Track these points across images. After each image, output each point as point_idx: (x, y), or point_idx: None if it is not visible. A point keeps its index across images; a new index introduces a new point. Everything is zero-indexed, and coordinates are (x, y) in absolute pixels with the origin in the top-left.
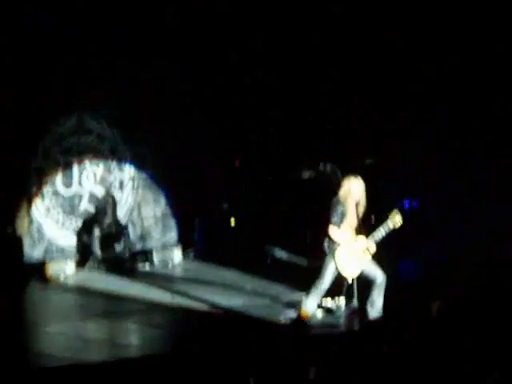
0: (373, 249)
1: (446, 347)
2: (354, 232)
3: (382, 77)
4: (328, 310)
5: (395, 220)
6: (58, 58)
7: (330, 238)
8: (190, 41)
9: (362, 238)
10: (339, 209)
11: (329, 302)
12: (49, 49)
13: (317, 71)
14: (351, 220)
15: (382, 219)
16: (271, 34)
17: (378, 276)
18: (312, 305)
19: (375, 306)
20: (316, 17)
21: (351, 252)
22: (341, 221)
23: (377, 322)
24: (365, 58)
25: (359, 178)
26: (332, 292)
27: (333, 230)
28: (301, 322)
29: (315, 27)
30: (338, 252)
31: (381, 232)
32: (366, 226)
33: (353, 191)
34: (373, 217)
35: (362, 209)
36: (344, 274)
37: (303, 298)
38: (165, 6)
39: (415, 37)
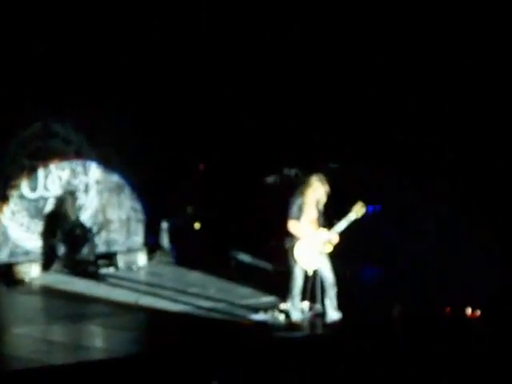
0: (335, 240)
1: (406, 350)
2: (314, 226)
3: (345, 88)
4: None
5: (358, 211)
6: (23, 64)
7: (290, 233)
8: (156, 45)
9: (323, 230)
10: (298, 202)
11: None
12: (14, 54)
13: (281, 79)
14: (310, 214)
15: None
16: (237, 43)
17: (328, 278)
18: (297, 309)
19: (329, 308)
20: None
21: (311, 245)
22: (299, 214)
23: (337, 325)
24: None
25: (323, 177)
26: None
27: (292, 224)
28: (295, 328)
29: (280, 38)
30: (298, 245)
31: (343, 223)
32: (328, 219)
33: (316, 189)
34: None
35: (321, 206)
36: (304, 266)
37: (287, 307)
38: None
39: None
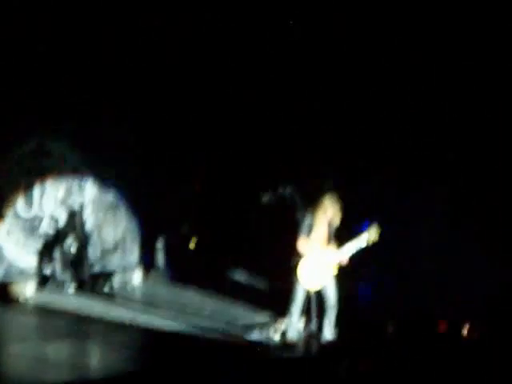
0: (344, 262)
1: (401, 366)
2: (323, 245)
3: (341, 102)
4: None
5: (372, 235)
6: (18, 81)
7: (297, 252)
8: (150, 63)
9: (331, 250)
10: (307, 221)
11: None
12: (9, 71)
13: (276, 97)
14: (320, 233)
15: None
16: (234, 53)
17: (331, 298)
18: (294, 328)
19: (326, 329)
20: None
21: (316, 264)
22: (308, 233)
23: (333, 344)
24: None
25: (336, 195)
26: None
27: (301, 242)
28: (290, 346)
29: (280, 41)
30: (302, 264)
31: (354, 245)
32: (339, 241)
33: (326, 207)
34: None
35: (335, 226)
36: (305, 285)
37: (283, 325)
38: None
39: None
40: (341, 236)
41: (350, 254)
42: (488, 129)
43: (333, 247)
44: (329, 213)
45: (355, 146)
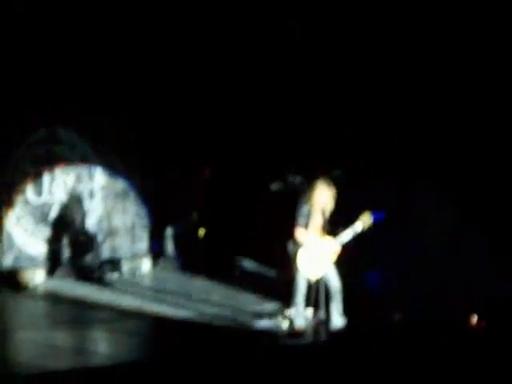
0: (338, 250)
1: (408, 357)
2: (320, 234)
3: (348, 93)
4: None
5: (366, 221)
6: (27, 70)
7: (295, 240)
8: (158, 49)
9: (328, 239)
10: (305, 210)
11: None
12: (18, 60)
13: (286, 84)
14: (317, 222)
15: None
16: (239, 46)
17: (334, 284)
18: (300, 316)
19: (334, 315)
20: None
21: (315, 253)
22: (307, 222)
23: (341, 333)
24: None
25: (329, 183)
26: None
27: (299, 232)
28: (298, 335)
29: (281, 41)
30: (301, 252)
31: (349, 233)
32: (334, 229)
33: (320, 195)
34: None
35: (328, 213)
36: (305, 274)
37: (291, 314)
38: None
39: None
40: (332, 221)
41: (346, 241)
42: (489, 129)
43: (329, 235)
44: (323, 199)
45: (365, 143)
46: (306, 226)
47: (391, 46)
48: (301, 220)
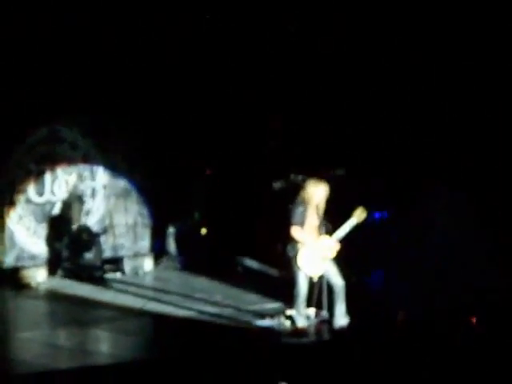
0: (336, 246)
1: (411, 355)
2: (316, 232)
3: (350, 92)
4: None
5: (359, 216)
6: (29, 69)
7: (293, 240)
8: (161, 48)
9: (324, 237)
10: (300, 209)
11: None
12: (20, 59)
13: (287, 84)
14: (312, 221)
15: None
16: (238, 46)
17: (337, 283)
18: (302, 315)
19: (338, 314)
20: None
21: (314, 251)
22: (302, 221)
23: (345, 331)
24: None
25: (323, 182)
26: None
27: (295, 231)
28: (301, 334)
29: (281, 41)
30: (301, 252)
31: (344, 228)
32: (331, 226)
33: (315, 194)
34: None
35: (321, 211)
36: (308, 273)
37: (293, 313)
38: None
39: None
40: (330, 220)
41: (342, 237)
42: (490, 130)
43: (325, 233)
44: (317, 197)
45: (367, 142)
46: (302, 225)
47: (391, 46)
48: (296, 219)
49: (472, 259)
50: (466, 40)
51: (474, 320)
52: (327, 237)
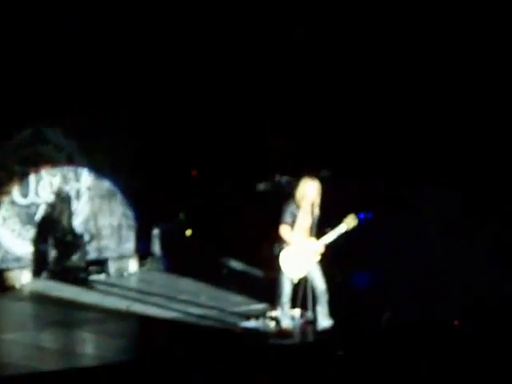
0: (321, 250)
1: (396, 356)
2: (305, 234)
3: (339, 94)
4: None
5: (350, 223)
6: (13, 70)
7: (280, 239)
8: (148, 49)
9: (313, 240)
10: (291, 209)
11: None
12: (4, 61)
13: (277, 86)
14: (303, 221)
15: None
16: (231, 47)
17: (319, 286)
18: (287, 316)
19: (320, 316)
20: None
21: (300, 253)
22: (293, 221)
23: (329, 332)
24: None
25: (315, 180)
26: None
27: (284, 230)
28: (286, 335)
29: (280, 42)
30: (284, 252)
31: (333, 234)
32: (320, 230)
33: (308, 193)
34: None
35: (316, 211)
36: (288, 274)
37: (277, 314)
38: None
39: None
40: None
41: (329, 242)
42: (489, 130)
43: (314, 235)
44: (309, 197)
45: (368, 142)
46: (292, 225)
47: (390, 46)
48: (286, 218)
49: (460, 260)
50: (465, 41)
51: (457, 323)
52: (315, 240)
